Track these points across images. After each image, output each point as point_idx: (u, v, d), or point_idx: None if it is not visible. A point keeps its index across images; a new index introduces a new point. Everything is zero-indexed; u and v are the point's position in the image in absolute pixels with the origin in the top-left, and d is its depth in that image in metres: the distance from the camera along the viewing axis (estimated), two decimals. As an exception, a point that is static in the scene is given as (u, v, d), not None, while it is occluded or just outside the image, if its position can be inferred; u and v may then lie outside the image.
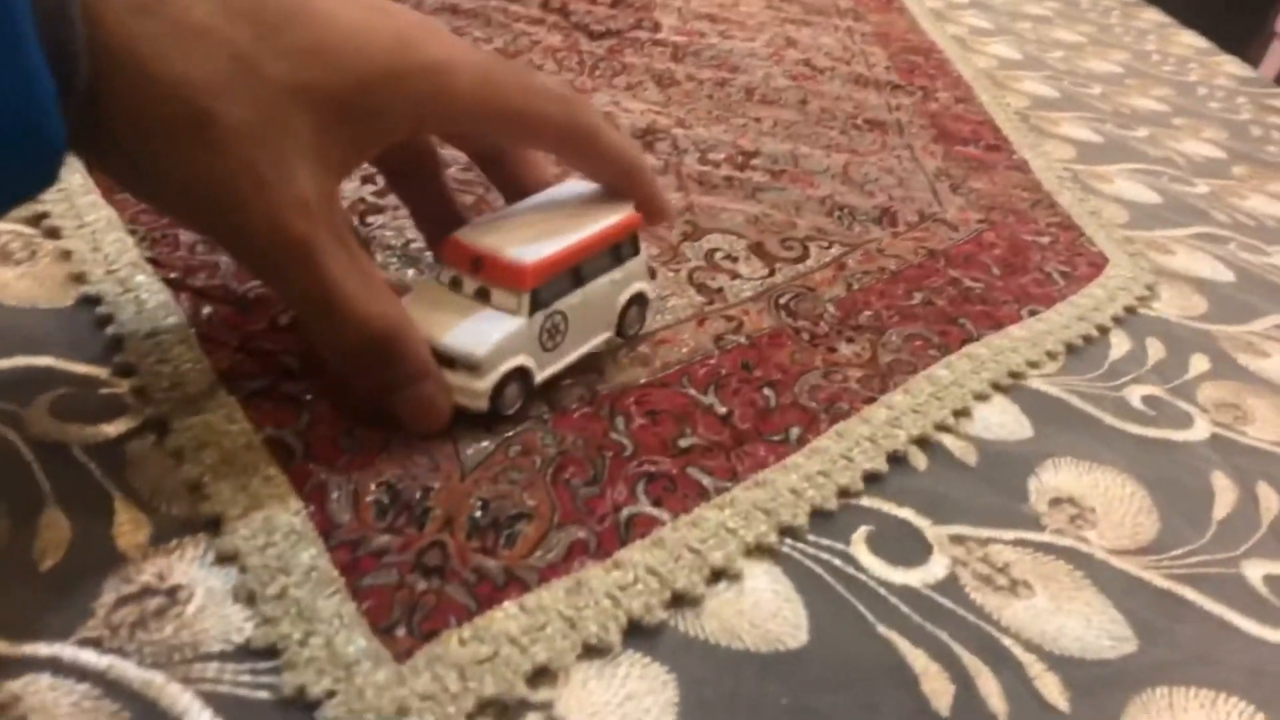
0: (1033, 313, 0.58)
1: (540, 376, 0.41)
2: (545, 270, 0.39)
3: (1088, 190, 0.80)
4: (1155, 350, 0.58)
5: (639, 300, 0.45)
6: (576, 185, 0.45)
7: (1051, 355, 0.55)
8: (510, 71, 0.37)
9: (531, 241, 0.40)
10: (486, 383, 0.38)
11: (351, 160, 0.34)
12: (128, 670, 0.29)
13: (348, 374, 0.38)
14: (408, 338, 0.37)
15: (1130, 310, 0.62)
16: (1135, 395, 0.54)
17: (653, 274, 0.54)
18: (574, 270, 0.41)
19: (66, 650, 0.29)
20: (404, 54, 0.33)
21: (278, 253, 0.33)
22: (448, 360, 0.38)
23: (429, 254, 0.50)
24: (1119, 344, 0.58)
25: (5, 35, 0.24)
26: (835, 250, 0.60)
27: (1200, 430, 0.52)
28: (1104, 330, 0.59)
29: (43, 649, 0.29)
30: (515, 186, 0.44)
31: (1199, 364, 0.58)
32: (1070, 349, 0.56)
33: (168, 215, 0.44)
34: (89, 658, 0.29)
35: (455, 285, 0.40)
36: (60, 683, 0.28)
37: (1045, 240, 0.68)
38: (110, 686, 0.28)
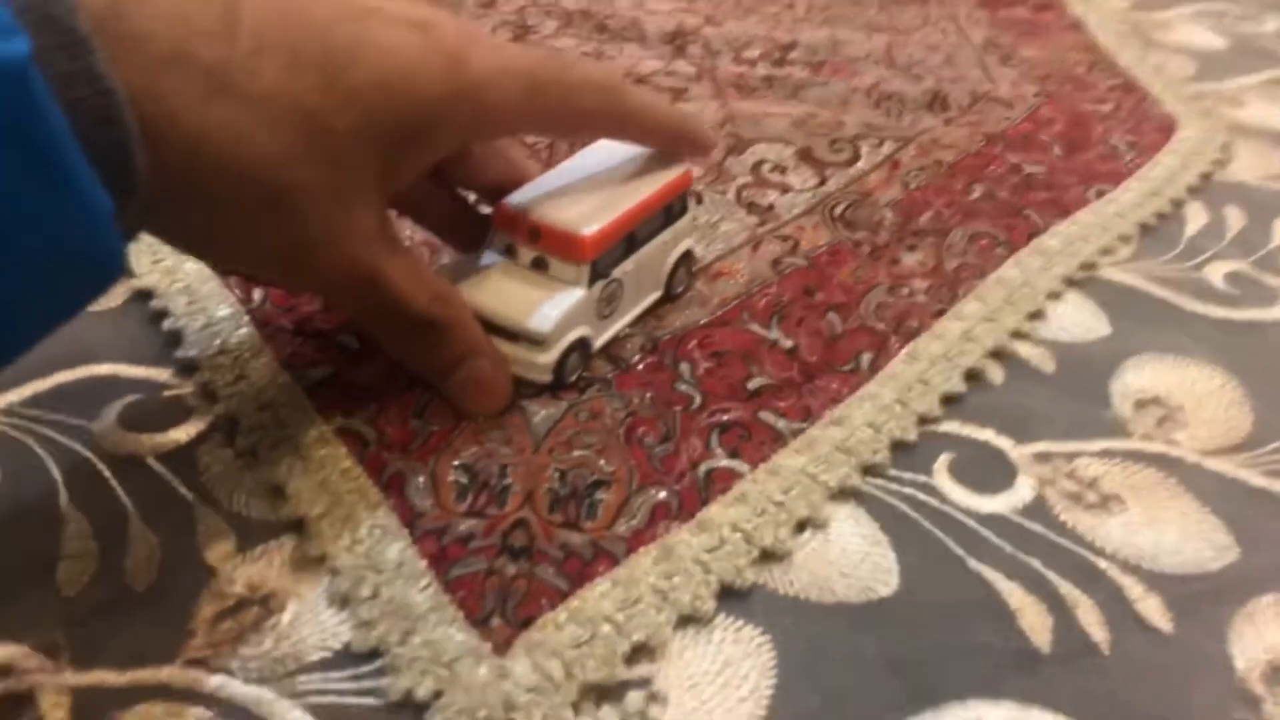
0: (1100, 193, 0.56)
1: (598, 343, 0.40)
2: (604, 240, 0.38)
3: (1149, 43, 0.76)
4: (1235, 220, 0.55)
5: (686, 259, 0.44)
6: (620, 144, 0.44)
7: (1124, 239, 0.52)
8: (553, 72, 0.36)
9: (588, 209, 0.38)
10: (551, 356, 0.38)
11: (408, 178, 0.34)
12: (236, 689, 0.29)
13: (404, 360, 0.37)
14: (455, 319, 0.36)
15: (1205, 177, 0.59)
16: (1217, 273, 0.51)
17: (699, 198, 0.52)
18: (629, 236, 0.40)
19: (175, 674, 0.30)
20: (457, 74, 0.32)
21: (351, 283, 0.33)
22: (510, 334, 0.37)
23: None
24: (1195, 217, 0.55)
25: (54, 172, 0.23)
26: (887, 147, 0.58)
27: (1288, 306, 0.49)
28: (1179, 204, 0.56)
29: (150, 675, 0.30)
30: (486, 182, 0.42)
31: (1281, 230, 0.55)
32: (1144, 229, 0.54)
33: (230, 269, 0.43)
34: (197, 679, 0.30)
35: (510, 252, 0.39)
36: (173, 708, 0.29)
37: (1107, 108, 0.64)
38: (222, 707, 0.29)
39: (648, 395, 0.40)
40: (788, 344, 0.43)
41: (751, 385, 0.41)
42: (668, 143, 0.42)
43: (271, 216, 0.30)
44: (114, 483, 0.35)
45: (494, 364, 0.37)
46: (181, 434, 0.37)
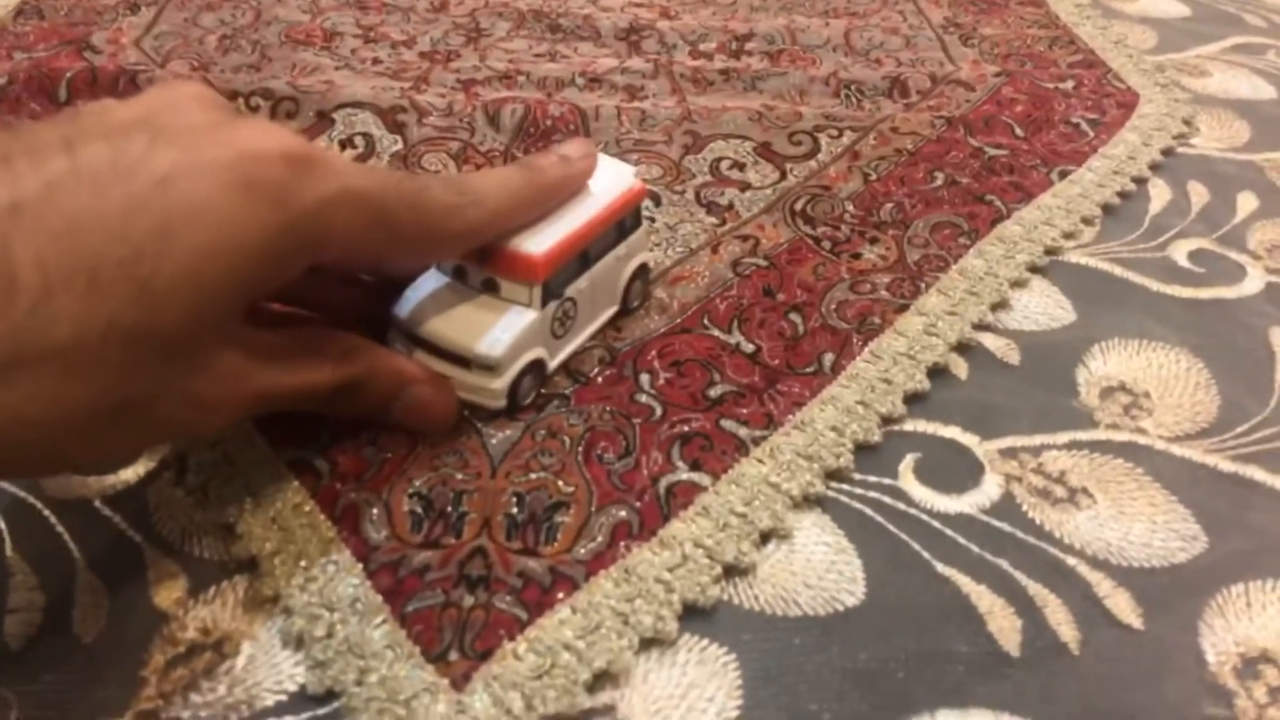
0: (1063, 174, 0.55)
1: (553, 364, 0.39)
2: (556, 259, 0.37)
3: (1109, 15, 0.75)
4: (1198, 195, 0.55)
5: (642, 272, 0.43)
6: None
7: (1088, 221, 0.52)
8: (400, 195, 0.32)
9: (538, 227, 0.37)
10: (503, 382, 0.37)
11: (255, 303, 0.31)
12: (190, 739, 0.29)
13: (340, 415, 0.36)
14: (370, 368, 0.35)
15: (1168, 153, 0.58)
16: (1181, 252, 0.51)
17: (658, 200, 0.51)
18: (582, 254, 0.39)
19: (126, 728, 0.29)
20: (285, 206, 0.28)
21: (250, 408, 0.31)
22: (462, 360, 0.37)
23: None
24: (1159, 195, 0.55)
25: None
26: (847, 138, 0.57)
27: (1254, 282, 0.49)
28: (1141, 182, 0.55)
29: (103, 729, 0.29)
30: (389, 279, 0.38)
31: (1247, 203, 0.55)
32: (1107, 210, 0.53)
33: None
34: (150, 730, 0.29)
35: (460, 275, 0.38)
36: (126, 761, 0.28)
37: (1069, 85, 0.64)
38: (176, 759, 0.28)
39: (607, 409, 0.39)
40: (749, 348, 0.42)
41: (713, 393, 0.40)
42: (539, 211, 0.38)
43: (118, 430, 0.27)
44: (59, 528, 0.34)
45: (431, 386, 0.36)
46: (129, 474, 0.36)
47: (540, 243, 0.37)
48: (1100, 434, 0.40)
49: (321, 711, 0.30)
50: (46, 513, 0.35)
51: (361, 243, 0.32)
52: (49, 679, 0.30)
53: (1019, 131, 0.59)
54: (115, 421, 0.27)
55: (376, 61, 0.61)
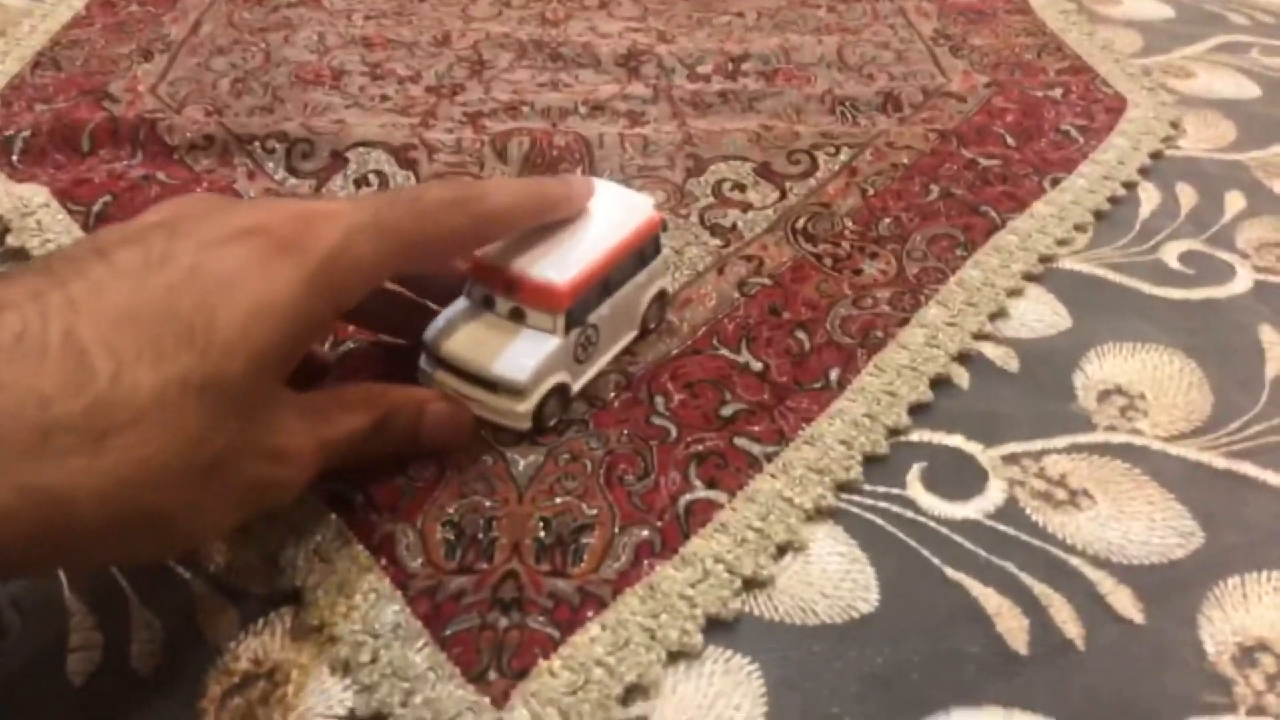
0: (1055, 182, 0.57)
1: (576, 387, 0.41)
2: (579, 289, 0.39)
3: (1095, 19, 0.77)
4: (1187, 197, 0.57)
5: (660, 298, 0.45)
6: (596, 186, 0.44)
7: (1080, 228, 0.54)
8: (400, 210, 0.34)
9: (561, 258, 0.40)
10: (529, 405, 0.39)
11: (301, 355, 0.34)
12: (249, 764, 0.31)
13: (378, 454, 0.38)
14: (390, 405, 0.37)
15: (1156, 156, 0.60)
16: (1172, 254, 0.52)
17: (664, 225, 0.53)
18: (604, 282, 0.41)
19: (189, 756, 0.31)
20: (303, 262, 0.31)
21: (314, 463, 0.34)
22: (489, 384, 0.39)
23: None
24: (1149, 198, 0.57)
25: None
26: (844, 155, 0.59)
27: (1243, 280, 0.51)
28: (1131, 186, 0.57)
29: (167, 758, 0.31)
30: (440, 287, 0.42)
31: (1235, 203, 0.57)
32: (1099, 215, 0.55)
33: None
34: (211, 757, 0.31)
35: (488, 304, 0.40)
36: (191, 788, 0.30)
37: (1057, 93, 0.66)
38: (237, 783, 0.30)
39: (624, 432, 0.41)
40: (758, 366, 0.44)
41: (725, 412, 0.42)
42: (540, 218, 0.40)
43: (213, 489, 0.29)
44: (113, 569, 0.36)
45: (446, 401, 0.39)
46: (175, 514, 0.38)
47: (564, 272, 0.39)
48: (1098, 436, 0.42)
49: (371, 732, 0.31)
50: (99, 554, 0.37)
51: (381, 266, 0.35)
52: (110, 713, 0.32)
53: (1010, 141, 0.61)
54: (209, 479, 0.29)
55: (384, 98, 0.63)
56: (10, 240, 0.51)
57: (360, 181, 0.55)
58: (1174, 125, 0.63)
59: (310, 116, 0.60)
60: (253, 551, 0.36)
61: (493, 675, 0.32)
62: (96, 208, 0.52)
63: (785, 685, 0.33)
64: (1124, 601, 0.36)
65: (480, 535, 0.37)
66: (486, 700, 0.32)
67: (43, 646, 0.34)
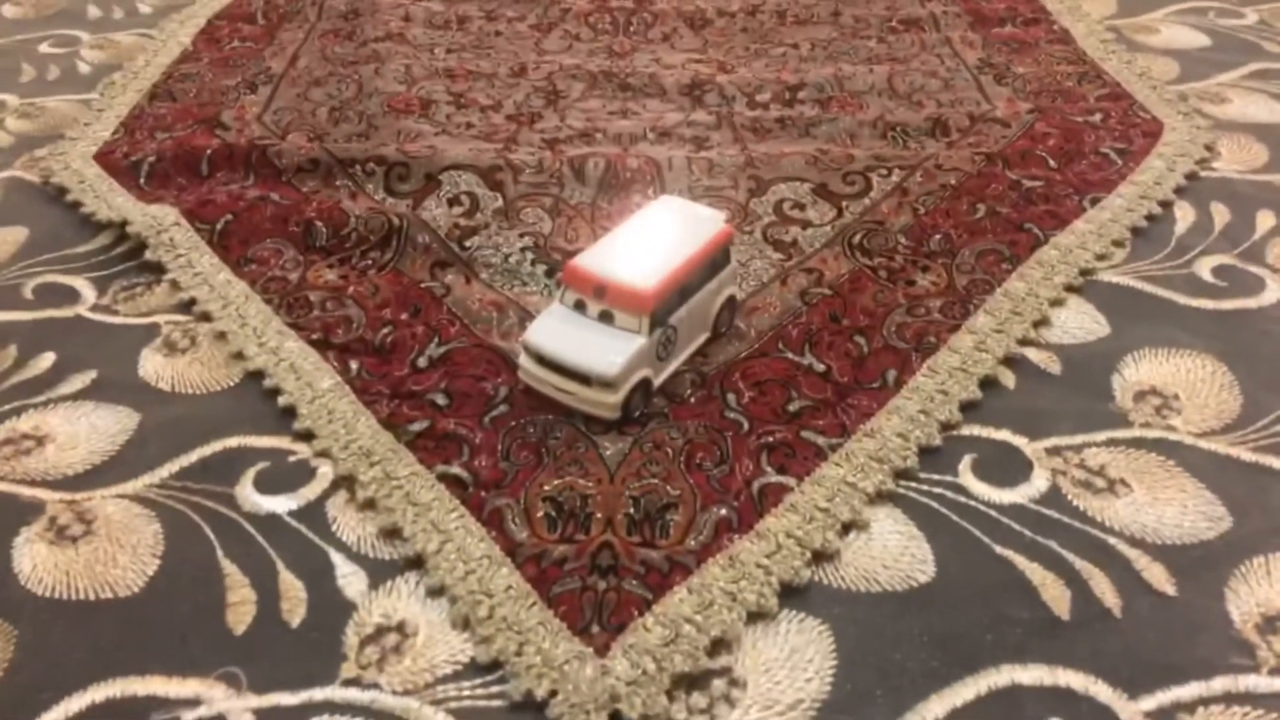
0: (1094, 201, 0.61)
1: (657, 382, 0.46)
2: (662, 293, 0.44)
3: (1133, 48, 0.81)
4: (1221, 215, 0.60)
5: (730, 303, 0.50)
6: (671, 202, 0.51)
7: (1118, 244, 0.58)
8: None
9: (646, 266, 0.45)
10: (619, 396, 0.44)
11: None
12: (387, 701, 0.35)
13: None
14: None
15: (1192, 177, 0.64)
16: (1205, 268, 0.56)
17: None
18: (682, 288, 0.46)
19: (336, 692, 0.36)
20: None
21: None
22: (584, 378, 0.44)
23: (525, 267, 0.55)
24: (1184, 216, 0.60)
25: None
26: (895, 176, 0.63)
27: (1272, 293, 0.54)
28: (1167, 205, 0.61)
29: (317, 694, 0.36)
30: None
31: (1265, 221, 0.60)
32: (1136, 232, 0.59)
33: None
34: (354, 695, 0.36)
35: (579, 307, 0.45)
36: None
37: (1097, 118, 0.69)
38: (378, 717, 0.35)
39: (701, 425, 0.46)
40: (820, 368, 0.49)
41: (791, 408, 0.46)
42: None
43: None
44: (260, 539, 0.41)
45: None
46: (309, 492, 0.43)
47: (649, 279, 0.44)
48: (1135, 432, 0.46)
49: (490, 678, 0.36)
50: (247, 526, 0.42)
51: None
52: (267, 656, 0.37)
53: (1052, 163, 0.65)
54: None
55: (469, 126, 0.69)
56: (147, 255, 0.56)
57: (453, 201, 0.61)
58: (1208, 148, 0.66)
59: (404, 143, 0.66)
60: (380, 524, 0.41)
61: (595, 629, 0.37)
62: (220, 226, 0.58)
63: (853, 643, 0.37)
64: (1158, 576, 0.40)
65: (577, 510, 0.42)
66: (590, 650, 0.36)
67: (202, 602, 0.39)
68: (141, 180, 0.63)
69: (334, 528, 0.42)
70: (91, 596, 0.39)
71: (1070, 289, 0.54)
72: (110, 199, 0.60)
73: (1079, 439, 0.46)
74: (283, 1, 0.87)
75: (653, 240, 0.47)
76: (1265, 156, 0.66)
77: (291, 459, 0.45)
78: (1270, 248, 0.58)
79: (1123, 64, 0.77)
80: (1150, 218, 0.60)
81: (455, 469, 0.43)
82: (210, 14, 0.85)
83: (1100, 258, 0.56)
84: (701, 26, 0.85)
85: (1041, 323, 0.52)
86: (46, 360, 0.50)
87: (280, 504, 0.43)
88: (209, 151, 0.64)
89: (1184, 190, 0.63)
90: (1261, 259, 0.57)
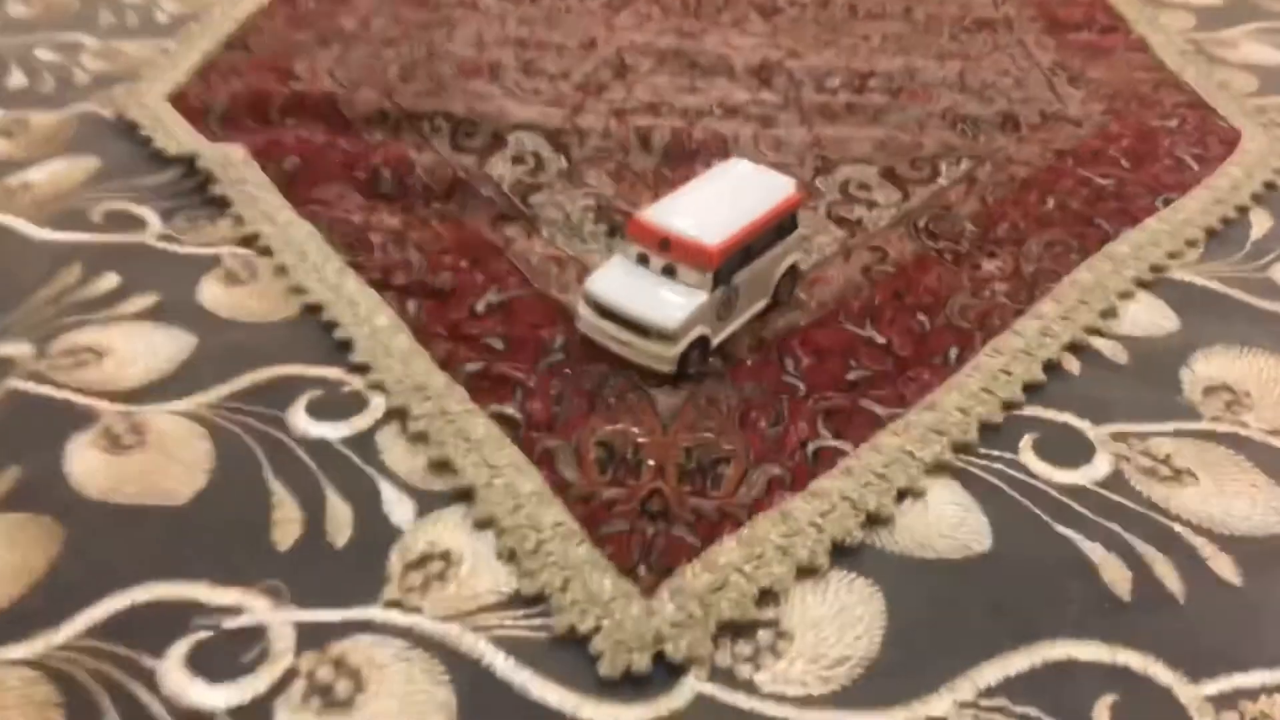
0: (1167, 202, 0.59)
1: (715, 341, 0.46)
2: (726, 251, 0.44)
3: (1213, 61, 0.79)
4: (1298, 224, 0.59)
5: (792, 271, 0.49)
6: (741, 164, 0.50)
7: (1191, 243, 0.56)
8: None
9: (712, 223, 0.44)
10: (676, 350, 0.43)
11: None
12: (428, 626, 0.35)
13: None
14: None
15: (1269, 186, 0.62)
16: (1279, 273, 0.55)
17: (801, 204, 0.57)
18: (746, 249, 0.45)
19: (378, 613, 0.35)
20: None
21: None
22: (643, 329, 0.43)
23: (587, 226, 0.55)
24: (1260, 222, 0.59)
25: None
26: (964, 165, 0.62)
27: (1351, 302, 0.53)
28: (1243, 210, 0.60)
29: (358, 613, 0.35)
30: None
31: (1344, 233, 0.58)
32: (1210, 234, 0.57)
33: None
34: (395, 617, 0.35)
35: (643, 260, 0.45)
36: (378, 639, 0.35)
37: (1173, 124, 0.68)
38: (418, 640, 0.35)
39: (758, 386, 0.45)
40: (881, 340, 0.48)
41: (851, 377, 0.46)
42: None
43: None
44: (309, 462, 0.41)
45: None
46: (362, 421, 0.43)
47: (715, 235, 0.43)
48: (1204, 425, 0.45)
49: (534, 610, 0.36)
50: (297, 449, 0.42)
51: None
52: (310, 572, 0.37)
53: (1125, 164, 0.63)
54: None
55: (537, 92, 0.69)
56: (214, 189, 0.57)
57: (518, 159, 0.61)
58: (1288, 159, 0.65)
59: (472, 101, 0.66)
60: (430, 457, 0.41)
61: (642, 571, 0.36)
62: (286, 166, 0.58)
63: (906, 605, 0.36)
64: (1224, 566, 0.38)
65: (629, 456, 0.41)
66: (637, 590, 0.36)
67: (248, 517, 0.39)
68: (212, 124, 0.63)
69: (383, 457, 0.42)
70: (140, 504, 0.39)
71: (1140, 284, 0.53)
72: (180, 135, 0.61)
73: (1145, 427, 0.44)
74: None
75: (720, 199, 0.47)
76: (1347, 171, 0.65)
77: (345, 389, 0.45)
78: (1349, 259, 0.56)
79: (1202, 74, 0.76)
80: (1225, 221, 0.58)
81: (509, 409, 0.43)
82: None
83: (1172, 255, 0.55)
84: (772, 14, 0.84)
85: (1109, 313, 0.51)
86: (110, 281, 0.51)
87: (331, 430, 0.43)
88: (280, 99, 0.64)
89: (1261, 198, 0.61)
90: (1340, 269, 0.55)
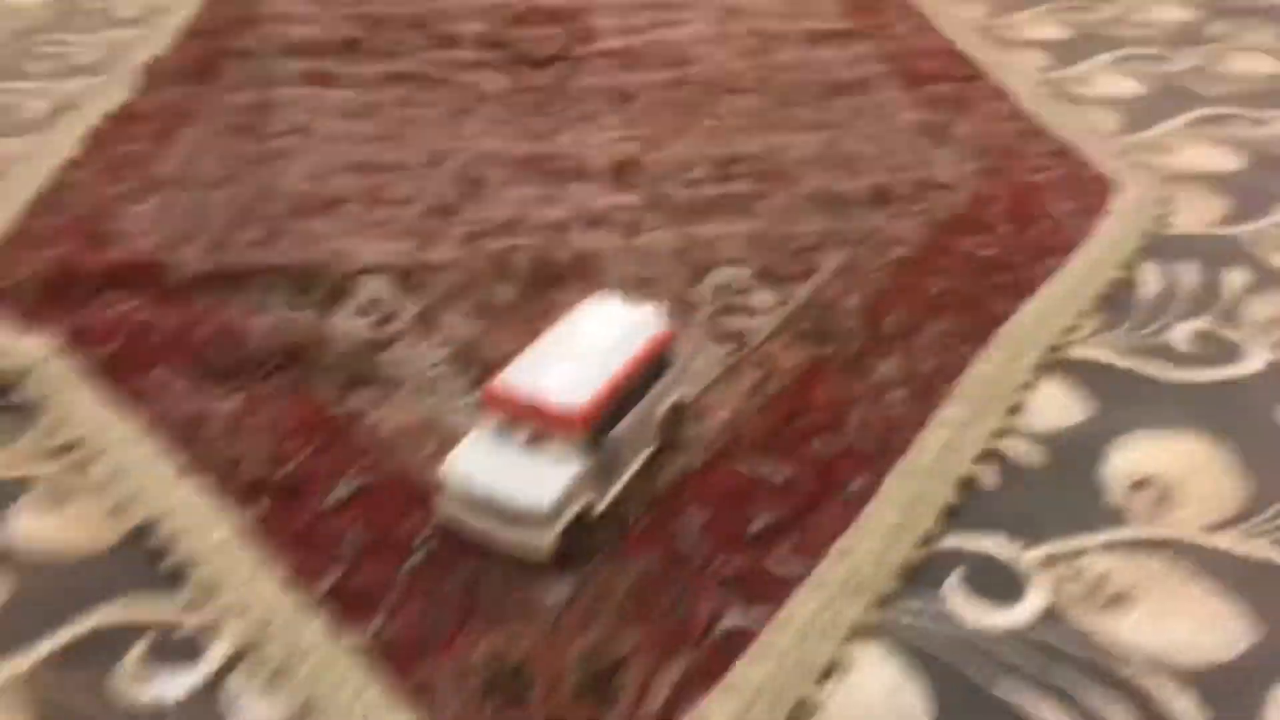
0: (1051, 269, 0.57)
1: (600, 506, 0.41)
2: (597, 411, 0.39)
3: (1073, 101, 0.78)
4: (1187, 276, 0.57)
5: (676, 409, 0.45)
6: (603, 303, 0.45)
7: (1085, 315, 0.54)
8: None
9: (576, 381, 0.39)
10: (552, 534, 0.38)
11: None
12: None
13: None
14: None
15: (1151, 236, 0.60)
16: (1180, 336, 0.52)
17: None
18: (620, 400, 0.41)
19: None
20: None
21: None
22: (510, 517, 0.38)
23: (446, 382, 0.50)
24: (1150, 279, 0.57)
25: None
26: (841, 253, 0.59)
27: (1256, 359, 0.51)
28: (1130, 268, 0.58)
29: None
30: None
31: (1235, 280, 0.57)
32: (1102, 300, 0.55)
33: None
34: None
35: (505, 431, 0.40)
36: None
37: (1043, 177, 0.66)
38: None
39: (653, 556, 0.40)
40: (780, 480, 0.44)
41: (753, 529, 0.41)
42: None
43: None
44: None
45: None
46: (202, 671, 0.37)
47: (581, 395, 0.39)
48: (1135, 531, 0.41)
49: None
50: (121, 726, 0.35)
51: None
52: None
53: (1004, 229, 0.61)
54: None
55: (381, 225, 0.63)
56: (13, 397, 0.50)
57: (363, 311, 0.55)
58: (1163, 204, 0.63)
59: (310, 246, 0.60)
60: (288, 704, 0.35)
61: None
62: (103, 354, 0.52)
63: (846, 824, 0.32)
64: (1185, 710, 0.35)
65: (515, 678, 0.36)
66: None
67: None
68: (16, 310, 0.56)
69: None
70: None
71: (1042, 368, 0.50)
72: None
73: (1074, 543, 0.41)
74: (180, 99, 0.81)
75: (583, 349, 0.42)
76: (1222, 208, 0.64)
77: (178, 634, 0.38)
78: (1245, 309, 0.54)
79: (1063, 118, 0.74)
80: (1114, 283, 0.56)
81: (376, 628, 0.37)
82: (99, 114, 0.78)
83: (1068, 331, 0.52)
84: (626, 102, 0.80)
85: (1015, 409, 0.48)
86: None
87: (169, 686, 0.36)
88: (95, 270, 0.58)
89: (1146, 251, 0.59)
90: (1238, 322, 0.53)
